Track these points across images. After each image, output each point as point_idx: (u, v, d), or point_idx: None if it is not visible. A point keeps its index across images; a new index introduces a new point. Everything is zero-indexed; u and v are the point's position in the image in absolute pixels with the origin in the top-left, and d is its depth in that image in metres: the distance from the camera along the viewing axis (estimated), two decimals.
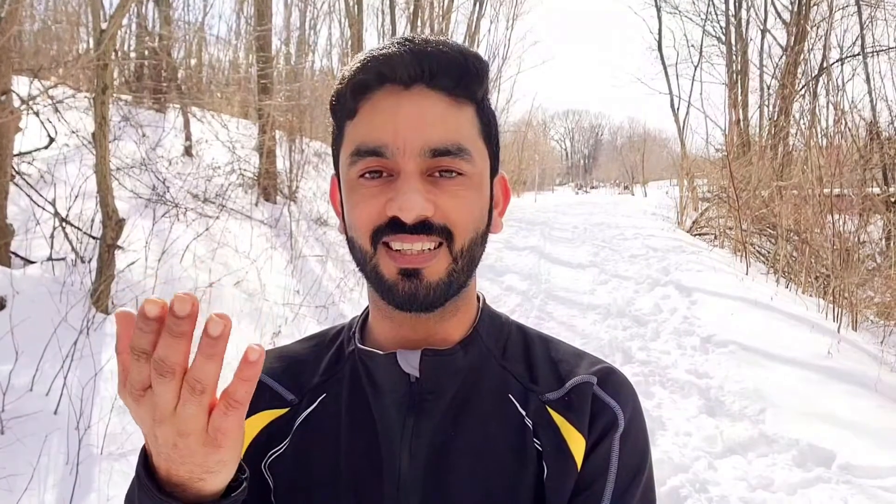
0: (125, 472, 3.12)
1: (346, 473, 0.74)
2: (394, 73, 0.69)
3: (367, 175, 0.70)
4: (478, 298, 0.82)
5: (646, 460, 0.76)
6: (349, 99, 0.71)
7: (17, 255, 4.49)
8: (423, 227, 0.68)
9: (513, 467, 0.72)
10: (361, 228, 0.70)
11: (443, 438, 0.73)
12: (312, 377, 0.81)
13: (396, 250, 0.69)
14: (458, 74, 0.70)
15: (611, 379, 0.78)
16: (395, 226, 0.68)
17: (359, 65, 0.71)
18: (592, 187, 70.01)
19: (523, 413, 0.75)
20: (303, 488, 0.75)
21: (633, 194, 46.50)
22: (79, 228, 4.98)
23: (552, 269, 9.78)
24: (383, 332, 0.78)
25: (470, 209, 0.71)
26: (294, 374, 0.82)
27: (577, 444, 0.73)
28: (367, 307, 0.82)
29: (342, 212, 0.77)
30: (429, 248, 0.69)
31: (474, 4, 24.85)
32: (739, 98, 18.66)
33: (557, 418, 0.74)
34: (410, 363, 0.74)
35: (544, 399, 0.76)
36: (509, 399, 0.76)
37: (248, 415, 0.78)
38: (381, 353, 0.75)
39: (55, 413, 3.28)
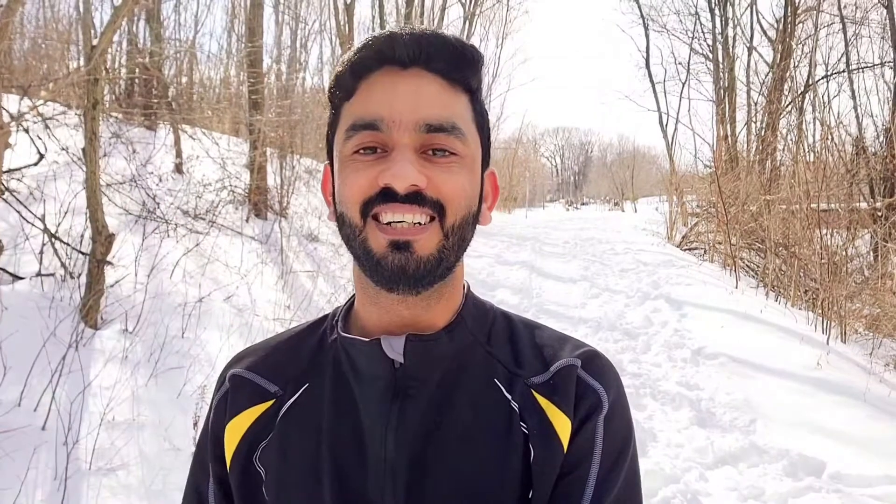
0: (113, 488, 3.10)
1: (329, 461, 0.74)
2: (392, 52, 0.71)
3: (361, 151, 0.71)
4: (464, 286, 0.83)
5: (629, 441, 0.76)
6: (348, 78, 0.73)
7: (5, 271, 4.46)
8: (415, 198, 0.68)
9: (500, 451, 0.72)
10: (352, 199, 0.71)
11: (428, 424, 0.73)
12: (295, 367, 0.82)
13: (387, 223, 0.69)
14: (455, 59, 0.72)
15: (595, 362, 0.78)
16: (386, 196, 0.68)
17: (359, 46, 0.73)
18: (583, 203, 70.26)
19: (509, 397, 0.75)
20: (287, 477, 0.75)
21: (622, 210, 46.63)
22: (68, 244, 4.96)
23: (543, 284, 9.79)
24: (369, 319, 0.78)
25: (463, 186, 0.72)
26: (276, 365, 0.83)
27: (562, 427, 0.73)
28: (353, 296, 0.83)
29: (333, 199, 0.77)
30: (419, 223, 0.69)
31: (464, 23, 25.09)
32: (727, 114, 18.83)
33: (543, 401, 0.75)
34: (395, 349, 0.74)
35: (530, 383, 0.76)
36: (495, 384, 0.76)
37: (234, 415, 0.80)
38: (364, 339, 0.75)
39: (43, 428, 3.25)
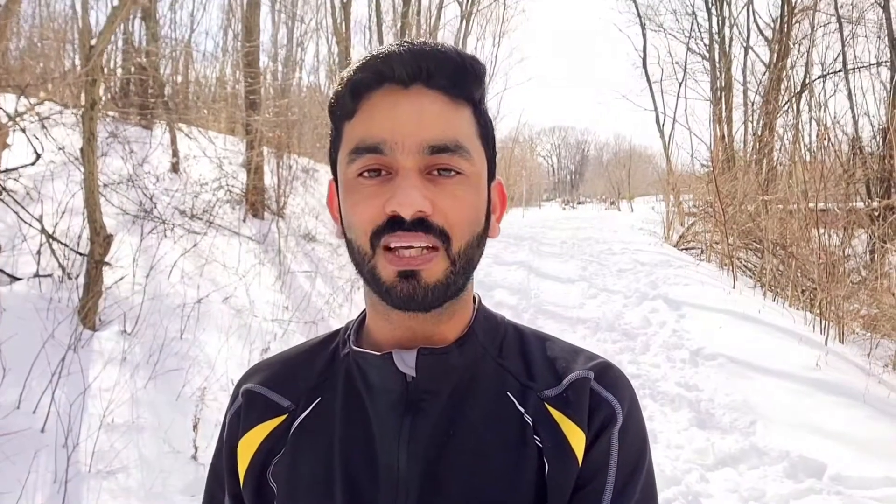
0: (113, 491, 3.09)
1: (341, 476, 0.73)
2: (392, 72, 0.69)
3: (365, 174, 0.70)
4: (474, 299, 0.83)
5: (645, 453, 0.76)
6: (348, 99, 0.72)
7: (3, 272, 4.44)
8: (420, 226, 0.68)
9: (513, 464, 0.72)
10: (360, 228, 0.70)
11: (441, 438, 0.73)
12: (307, 381, 0.82)
13: (395, 250, 0.68)
14: (456, 74, 0.71)
15: (608, 374, 0.78)
16: (393, 224, 0.68)
17: (357, 65, 0.71)
18: (579, 203, 70.19)
19: (522, 410, 0.75)
20: (298, 492, 0.75)
21: (619, 210, 46.65)
22: (66, 245, 4.94)
23: (541, 284, 9.79)
24: (381, 334, 0.77)
25: (468, 210, 0.71)
26: (288, 380, 0.83)
27: (577, 440, 0.73)
28: (364, 310, 0.83)
29: (339, 216, 0.77)
30: (426, 248, 0.68)
31: (461, 22, 25.11)
32: (724, 114, 18.87)
33: (556, 414, 0.74)
34: (407, 362, 0.74)
35: (542, 396, 0.76)
36: (507, 396, 0.76)
37: (247, 430, 0.80)
38: (376, 353, 0.75)
39: (42, 431, 3.24)
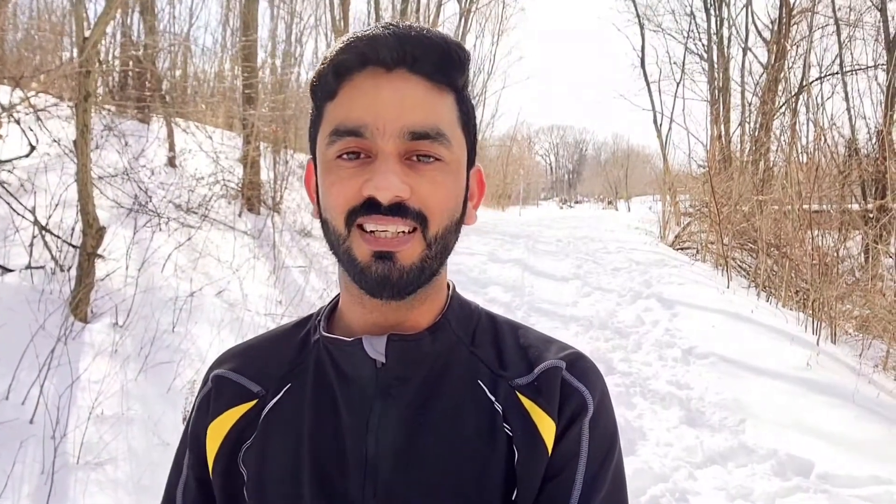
0: (101, 482, 3.08)
1: (310, 462, 0.73)
2: (376, 54, 0.69)
3: (344, 156, 0.70)
4: (448, 286, 0.82)
5: (615, 443, 0.76)
6: (330, 79, 0.71)
7: None
8: (398, 210, 0.67)
9: (483, 452, 0.72)
10: (336, 209, 0.70)
11: (411, 424, 0.73)
12: (278, 367, 0.81)
13: (370, 232, 0.68)
14: (440, 60, 0.71)
15: (579, 364, 0.78)
16: (370, 206, 0.67)
17: (341, 45, 0.70)
18: (577, 202, 70.26)
19: (492, 398, 0.75)
20: (267, 478, 0.75)
21: (616, 209, 46.70)
22: (58, 237, 4.93)
23: (535, 282, 9.78)
24: (354, 319, 0.77)
25: (446, 195, 0.71)
26: (259, 365, 0.82)
27: (547, 429, 0.73)
28: (338, 295, 0.82)
29: (317, 196, 0.76)
30: (403, 232, 0.68)
31: (460, 20, 25.10)
32: (721, 114, 18.89)
33: (527, 403, 0.74)
34: (377, 348, 0.74)
35: (514, 384, 0.76)
36: (478, 384, 0.76)
37: (216, 415, 0.80)
38: (346, 339, 0.75)
39: (31, 422, 3.24)
